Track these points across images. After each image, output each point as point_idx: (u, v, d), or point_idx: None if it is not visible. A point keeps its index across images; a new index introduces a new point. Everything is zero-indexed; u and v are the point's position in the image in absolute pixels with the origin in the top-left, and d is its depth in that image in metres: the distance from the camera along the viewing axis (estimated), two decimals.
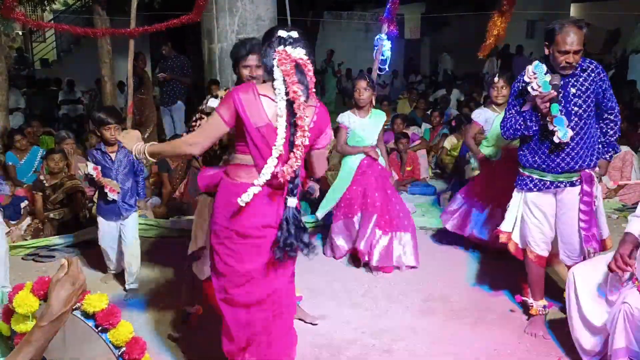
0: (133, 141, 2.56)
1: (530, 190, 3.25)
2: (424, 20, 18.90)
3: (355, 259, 4.41)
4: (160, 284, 4.16)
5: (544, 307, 3.34)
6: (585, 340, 2.87)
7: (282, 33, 2.33)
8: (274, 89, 2.28)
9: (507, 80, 4.28)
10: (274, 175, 2.26)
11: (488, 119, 4.38)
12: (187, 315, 3.44)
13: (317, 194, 3.97)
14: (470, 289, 3.99)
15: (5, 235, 3.82)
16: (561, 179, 3.15)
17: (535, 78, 2.99)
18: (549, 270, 3.62)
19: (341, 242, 4.44)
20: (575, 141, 3.08)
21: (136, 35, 5.13)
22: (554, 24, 3.04)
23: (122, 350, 1.84)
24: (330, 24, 17.98)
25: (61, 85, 12.19)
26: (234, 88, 2.40)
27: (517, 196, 3.35)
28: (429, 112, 9.38)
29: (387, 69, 4.89)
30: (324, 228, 4.90)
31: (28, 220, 5.10)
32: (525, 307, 3.48)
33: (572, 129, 3.06)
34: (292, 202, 2.28)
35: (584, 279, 2.88)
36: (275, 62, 2.27)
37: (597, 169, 3.25)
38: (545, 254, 3.31)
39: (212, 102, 3.07)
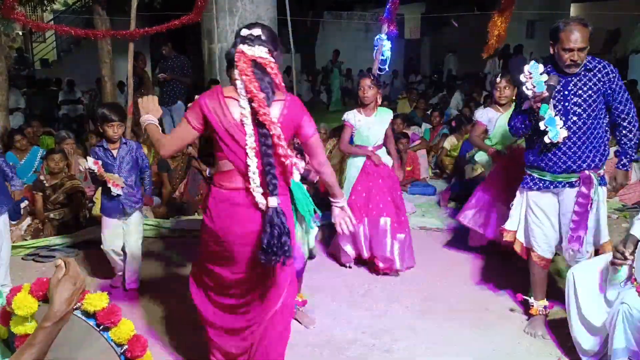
0: (148, 108, 2.61)
1: (530, 189, 3.26)
2: (424, 20, 18.94)
3: (356, 259, 4.41)
4: (160, 283, 4.16)
5: (545, 307, 3.34)
6: (585, 340, 2.88)
7: (243, 32, 2.36)
8: (237, 90, 2.30)
9: (509, 80, 4.29)
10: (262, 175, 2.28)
11: (491, 119, 4.39)
12: None
13: (314, 177, 3.83)
14: (470, 289, 3.99)
15: (9, 233, 3.82)
16: (560, 179, 3.15)
17: (530, 78, 2.99)
18: (550, 270, 3.62)
19: (349, 249, 4.31)
20: (572, 141, 3.07)
21: (136, 37, 5.13)
22: (559, 22, 3.04)
23: (124, 348, 1.84)
24: (330, 24, 18.02)
25: (61, 85, 12.19)
26: (202, 95, 2.45)
27: (520, 195, 3.36)
28: (429, 112, 9.39)
29: (387, 69, 4.87)
30: (329, 228, 4.87)
31: (28, 220, 5.10)
32: (526, 307, 3.48)
33: (569, 128, 3.06)
34: (273, 201, 2.25)
35: (584, 279, 2.88)
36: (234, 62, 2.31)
37: (601, 171, 3.17)
38: (548, 255, 3.31)
39: None
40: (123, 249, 3.95)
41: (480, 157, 4.73)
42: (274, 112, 2.31)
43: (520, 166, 3.83)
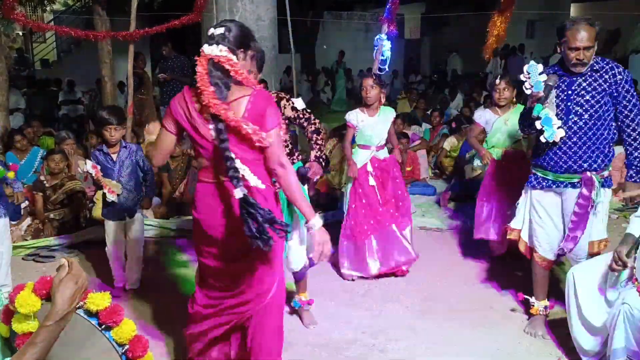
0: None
1: (534, 187, 3.27)
2: (424, 20, 18.95)
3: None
4: (161, 283, 4.16)
5: (545, 307, 3.35)
6: (585, 341, 2.88)
7: (209, 31, 2.39)
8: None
9: (508, 82, 4.26)
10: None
11: (488, 121, 4.34)
12: None
13: (314, 175, 3.63)
14: (470, 289, 3.99)
15: (9, 233, 3.82)
16: (562, 179, 3.15)
17: (528, 78, 3.00)
18: (556, 271, 3.63)
19: (347, 268, 4.16)
20: (572, 141, 3.07)
21: (136, 39, 5.13)
22: (566, 21, 3.04)
23: (125, 348, 1.85)
24: (330, 24, 18.04)
25: (61, 85, 12.18)
26: (172, 98, 2.52)
27: (525, 194, 3.38)
28: (429, 112, 9.39)
29: (387, 69, 4.86)
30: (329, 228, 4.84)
31: (28, 220, 5.10)
32: (527, 307, 3.48)
33: (570, 128, 3.06)
34: (238, 193, 2.23)
35: (584, 279, 2.88)
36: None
37: (605, 173, 3.14)
38: (550, 256, 3.31)
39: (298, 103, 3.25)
40: (124, 252, 3.96)
41: (480, 158, 4.72)
42: (239, 108, 2.33)
43: (514, 169, 3.84)
